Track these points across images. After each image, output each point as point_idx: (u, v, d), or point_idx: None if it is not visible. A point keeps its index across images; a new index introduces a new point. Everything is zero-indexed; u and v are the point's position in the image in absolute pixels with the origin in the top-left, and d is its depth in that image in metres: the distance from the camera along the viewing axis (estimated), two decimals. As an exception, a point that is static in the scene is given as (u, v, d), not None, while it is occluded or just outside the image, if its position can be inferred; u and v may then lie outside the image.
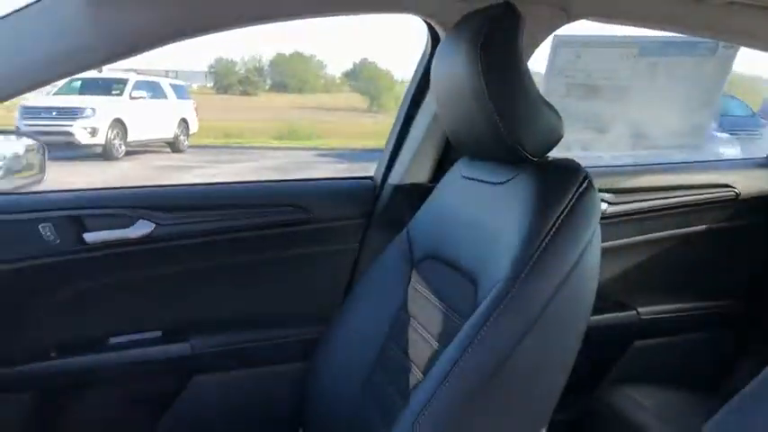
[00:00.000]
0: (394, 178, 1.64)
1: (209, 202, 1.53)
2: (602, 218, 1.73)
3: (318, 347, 1.37)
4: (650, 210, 1.80)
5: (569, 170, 1.08)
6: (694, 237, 1.87)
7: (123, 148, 11.68)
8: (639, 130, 1.74)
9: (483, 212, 1.16)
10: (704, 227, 1.88)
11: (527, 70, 1.10)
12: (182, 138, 13.48)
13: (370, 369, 1.27)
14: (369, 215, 1.63)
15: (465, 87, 1.09)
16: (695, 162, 1.91)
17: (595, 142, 1.73)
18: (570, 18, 1.44)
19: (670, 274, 1.88)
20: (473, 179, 1.24)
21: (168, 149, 13.07)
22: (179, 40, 1.23)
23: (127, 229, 1.45)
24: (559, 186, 1.06)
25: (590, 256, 1.03)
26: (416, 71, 1.62)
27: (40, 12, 1.17)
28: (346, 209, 1.62)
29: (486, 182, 1.19)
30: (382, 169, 1.67)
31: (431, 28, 1.50)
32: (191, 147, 13.46)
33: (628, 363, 1.85)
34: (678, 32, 1.54)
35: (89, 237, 1.43)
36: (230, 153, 12.80)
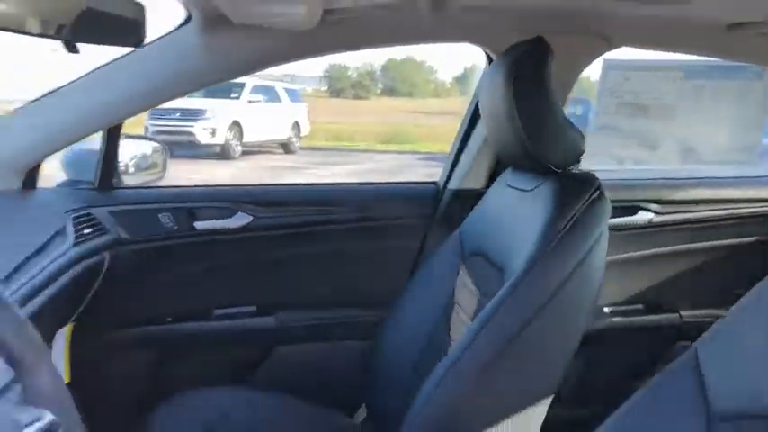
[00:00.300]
0: (453, 183, 1.86)
1: (295, 200, 1.82)
2: (647, 226, 1.90)
3: (380, 329, 1.61)
4: (698, 221, 1.92)
5: (584, 181, 1.28)
6: (741, 248, 1.97)
7: (239, 148, 12.37)
8: (688, 147, 1.88)
9: (515, 215, 1.37)
10: (751, 239, 1.97)
11: (554, 95, 1.30)
12: (294, 140, 14.09)
13: (422, 350, 1.48)
14: (431, 216, 1.86)
15: (501, 108, 1.31)
16: (744, 177, 2.00)
17: (647, 157, 1.88)
18: (611, 46, 1.62)
19: (715, 282, 1.98)
20: (512, 187, 1.44)
21: (281, 151, 13.70)
22: (270, 67, 1.53)
23: (229, 220, 1.76)
24: (574, 194, 1.25)
25: (596, 255, 1.22)
26: (477, 87, 1.84)
27: (166, 43, 1.50)
28: (411, 210, 1.86)
29: (520, 189, 1.39)
30: (444, 175, 1.90)
31: (487, 54, 1.71)
32: (302, 148, 14.04)
33: (669, 362, 1.97)
34: (715, 58, 1.67)
35: (198, 225, 1.75)
36: (338, 155, 13.21)
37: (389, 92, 30.24)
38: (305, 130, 14.62)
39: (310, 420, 1.52)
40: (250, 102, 12.51)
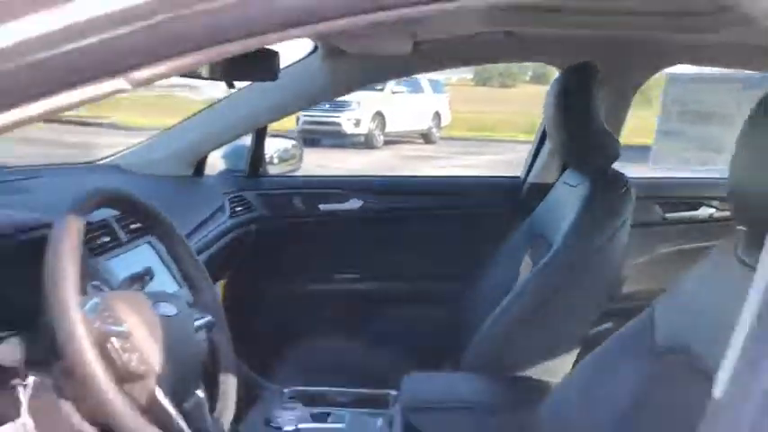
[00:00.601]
0: (532, 177, 2.19)
1: (398, 189, 2.24)
2: (708, 221, 2.12)
3: (464, 298, 1.97)
4: None
5: (616, 180, 1.58)
6: None
7: (381, 138, 12.88)
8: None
9: (564, 205, 1.69)
10: None
11: (596, 109, 1.61)
12: (434, 130, 14.40)
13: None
14: (513, 204, 2.20)
15: (553, 118, 1.64)
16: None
17: (712, 159, 2.10)
18: (666, 65, 1.88)
19: None
20: (565, 182, 1.77)
21: (421, 140, 14.07)
22: (377, 83, 1.95)
23: (345, 204, 2.21)
24: (606, 190, 1.57)
25: (620, 237, 1.53)
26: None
27: (299, 67, 1.97)
28: (497, 199, 2.22)
29: (570, 185, 1.72)
30: (525, 170, 2.24)
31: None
32: (442, 138, 14.33)
33: None
34: (758, 71, 1.87)
35: (322, 207, 2.21)
36: (478, 145, 13.32)
37: (539, 79, 29.67)
38: (445, 120, 14.88)
39: (403, 368, 1.92)
40: (393, 92, 12.82)
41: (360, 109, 12.12)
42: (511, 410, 1.41)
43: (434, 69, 1.99)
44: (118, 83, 0.57)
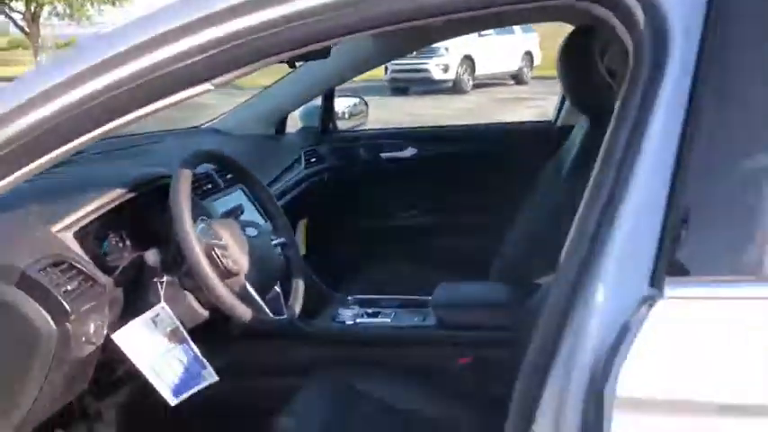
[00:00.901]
0: (561, 121, 2.52)
1: (447, 137, 2.62)
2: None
3: (504, 226, 2.34)
4: None
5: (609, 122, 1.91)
6: None
7: (471, 82, 13.00)
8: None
9: (575, 144, 2.03)
10: None
11: (594, 63, 1.92)
12: (525, 70, 14.31)
13: None
14: (546, 147, 2.52)
15: (562, 70, 1.98)
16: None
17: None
18: None
19: None
20: (581, 125, 2.10)
21: (512, 82, 14.09)
22: (419, 48, 2.32)
23: (402, 152, 2.62)
24: (600, 131, 1.89)
25: None
26: None
27: (352, 44, 2.36)
28: (532, 142, 2.56)
29: (580, 125, 2.05)
30: (555, 113, 2.56)
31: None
32: (534, 78, 14.26)
33: None
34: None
35: (383, 155, 2.64)
36: (572, 83, 13.12)
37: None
38: (537, 60, 14.75)
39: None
40: (481, 36, 12.49)
41: (448, 54, 12.24)
42: (519, 306, 1.79)
43: (466, 33, 2.34)
44: (204, 86, 0.92)
